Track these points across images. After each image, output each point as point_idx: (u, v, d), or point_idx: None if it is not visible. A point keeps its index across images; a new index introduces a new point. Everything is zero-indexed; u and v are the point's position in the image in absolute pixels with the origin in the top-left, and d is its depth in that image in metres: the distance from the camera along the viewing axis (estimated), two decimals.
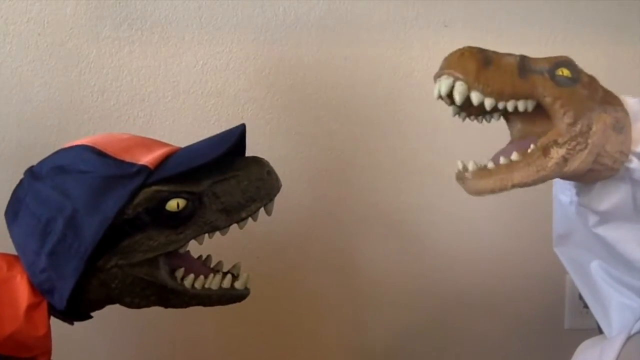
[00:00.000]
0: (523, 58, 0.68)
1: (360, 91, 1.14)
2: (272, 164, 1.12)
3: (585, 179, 0.71)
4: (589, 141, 0.67)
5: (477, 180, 0.66)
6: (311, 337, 1.21)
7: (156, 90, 1.08)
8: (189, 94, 1.08)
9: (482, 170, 0.67)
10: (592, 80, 0.70)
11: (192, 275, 0.75)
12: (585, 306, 0.90)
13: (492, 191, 0.66)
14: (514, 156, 0.67)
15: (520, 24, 1.15)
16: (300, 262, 1.17)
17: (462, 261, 1.22)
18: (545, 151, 0.67)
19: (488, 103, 0.65)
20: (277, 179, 0.76)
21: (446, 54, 1.13)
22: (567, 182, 0.77)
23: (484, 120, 0.73)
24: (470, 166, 0.67)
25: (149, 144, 0.76)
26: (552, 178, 0.69)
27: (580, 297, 0.90)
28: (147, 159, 0.72)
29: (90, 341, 1.12)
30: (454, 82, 0.65)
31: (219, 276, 0.77)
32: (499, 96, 0.65)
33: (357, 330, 1.22)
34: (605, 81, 0.73)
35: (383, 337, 1.23)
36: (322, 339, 1.21)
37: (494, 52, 0.67)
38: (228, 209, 0.73)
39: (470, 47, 0.67)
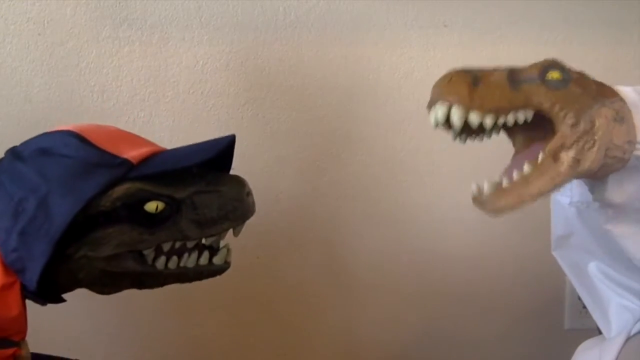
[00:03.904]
0: (511, 71, 0.67)
1: (360, 91, 1.14)
2: (272, 163, 1.13)
3: (599, 175, 0.71)
4: (596, 137, 0.66)
5: (496, 201, 0.66)
6: (311, 337, 1.21)
7: (156, 90, 1.08)
8: (189, 94, 1.09)
9: (498, 190, 0.66)
10: (581, 75, 0.69)
11: (163, 257, 0.74)
12: (585, 306, 0.90)
13: (513, 209, 0.66)
14: (526, 168, 0.66)
15: (520, 24, 1.15)
16: (300, 262, 1.17)
17: (462, 260, 1.22)
18: (555, 157, 0.66)
19: (488, 121, 0.64)
20: (253, 203, 0.77)
21: (446, 54, 1.14)
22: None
23: (484, 138, 0.73)
24: (486, 188, 0.66)
25: (136, 140, 0.76)
26: (568, 182, 0.69)
27: (580, 298, 0.90)
28: (132, 153, 0.72)
29: (90, 341, 1.12)
30: (449, 108, 0.65)
31: (194, 254, 0.75)
32: (496, 112, 0.64)
33: (358, 330, 1.22)
34: (604, 81, 0.73)
35: (383, 337, 1.23)
36: (323, 338, 1.21)
37: (481, 70, 0.66)
38: (202, 222, 0.73)
39: (456, 71, 0.66)
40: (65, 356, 0.87)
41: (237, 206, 0.74)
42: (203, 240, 0.76)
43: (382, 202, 1.18)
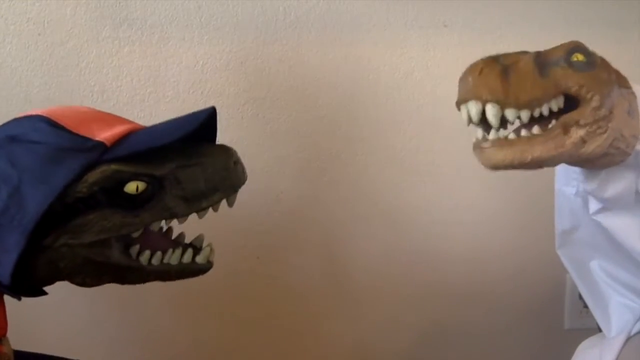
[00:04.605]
0: (537, 55, 0.67)
1: (360, 91, 1.14)
2: (272, 164, 1.13)
3: (598, 164, 0.71)
4: (609, 125, 0.66)
5: (496, 150, 0.63)
6: (311, 338, 1.21)
7: (156, 90, 1.08)
8: (189, 94, 1.08)
9: (501, 140, 0.64)
10: (603, 60, 0.70)
11: (148, 252, 0.71)
12: (586, 306, 0.90)
13: (511, 163, 0.63)
14: (535, 130, 0.65)
15: (520, 24, 1.15)
16: (300, 262, 1.17)
17: (462, 261, 1.22)
18: (565, 129, 0.65)
19: (525, 116, 0.63)
20: (243, 171, 0.73)
21: (446, 54, 1.14)
22: (572, 172, 0.77)
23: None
24: (491, 135, 0.64)
25: (110, 119, 0.73)
26: (568, 159, 0.68)
27: (581, 297, 0.90)
28: (105, 135, 0.69)
29: (90, 341, 1.12)
30: (483, 106, 0.63)
31: (178, 251, 0.72)
32: (531, 105, 0.63)
33: (357, 331, 1.22)
34: None
35: (383, 338, 1.23)
36: (323, 339, 1.21)
37: (506, 57, 0.65)
38: (188, 197, 0.69)
39: (484, 61, 0.64)
40: (66, 356, 0.86)
41: (225, 176, 0.70)
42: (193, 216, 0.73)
43: (382, 202, 1.18)
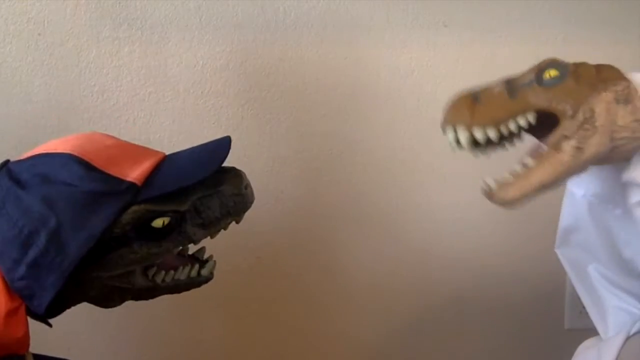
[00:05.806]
0: (508, 81, 0.70)
1: (360, 91, 1.14)
2: (272, 164, 1.13)
3: (616, 157, 0.71)
4: (597, 124, 0.67)
5: (503, 193, 0.68)
6: (311, 337, 1.21)
7: (156, 90, 1.08)
8: (189, 94, 1.09)
9: (503, 184, 0.69)
10: (578, 66, 0.70)
11: (163, 273, 0.77)
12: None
13: (519, 199, 0.68)
14: (528, 161, 0.68)
15: (520, 24, 1.15)
16: (300, 262, 1.17)
17: (462, 261, 1.22)
18: (556, 148, 0.68)
19: (492, 134, 0.67)
20: (252, 193, 0.78)
21: (446, 54, 1.14)
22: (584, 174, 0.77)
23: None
24: (492, 183, 0.69)
25: (135, 154, 0.75)
26: (575, 171, 0.69)
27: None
28: (135, 174, 0.71)
29: (90, 341, 1.12)
30: (455, 130, 0.68)
31: (187, 267, 0.79)
32: (495, 123, 0.67)
33: (357, 331, 1.22)
34: None
35: (383, 338, 1.23)
36: (323, 338, 1.21)
37: (482, 88, 0.70)
38: (206, 224, 0.75)
39: (459, 94, 0.69)
40: (65, 356, 0.87)
41: (237, 200, 0.76)
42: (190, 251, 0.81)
43: (382, 202, 1.18)
